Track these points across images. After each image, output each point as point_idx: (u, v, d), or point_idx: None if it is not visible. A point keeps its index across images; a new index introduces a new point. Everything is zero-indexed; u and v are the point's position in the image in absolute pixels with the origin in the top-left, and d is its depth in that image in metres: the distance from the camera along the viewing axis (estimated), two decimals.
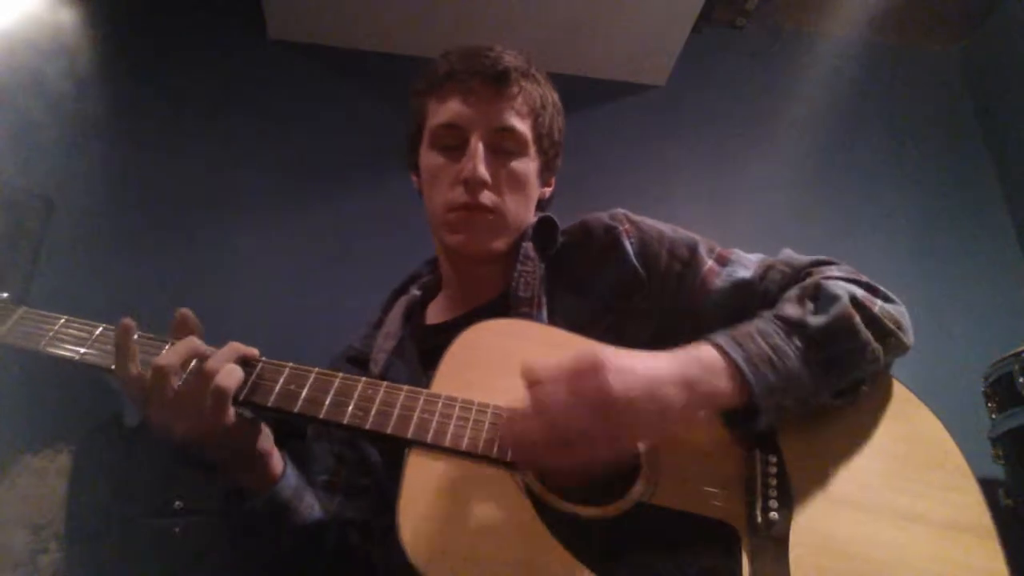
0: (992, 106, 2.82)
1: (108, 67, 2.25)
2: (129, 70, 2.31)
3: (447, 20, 2.36)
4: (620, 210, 1.00)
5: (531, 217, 1.02)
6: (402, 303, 1.09)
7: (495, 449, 0.74)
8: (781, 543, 0.70)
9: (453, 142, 0.97)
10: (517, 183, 0.97)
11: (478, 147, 0.94)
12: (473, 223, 0.96)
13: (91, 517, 1.62)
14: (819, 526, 0.71)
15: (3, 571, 1.54)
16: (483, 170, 0.93)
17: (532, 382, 0.69)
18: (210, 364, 0.74)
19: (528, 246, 0.98)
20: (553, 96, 1.03)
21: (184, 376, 0.75)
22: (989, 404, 1.73)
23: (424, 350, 0.98)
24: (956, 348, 2.08)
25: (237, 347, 0.78)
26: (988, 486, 0.77)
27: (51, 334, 0.84)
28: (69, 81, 2.14)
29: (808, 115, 2.69)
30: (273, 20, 2.45)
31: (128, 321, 0.77)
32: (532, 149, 0.99)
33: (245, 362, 0.80)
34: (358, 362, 1.06)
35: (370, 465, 0.94)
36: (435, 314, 1.07)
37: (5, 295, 0.88)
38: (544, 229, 1.01)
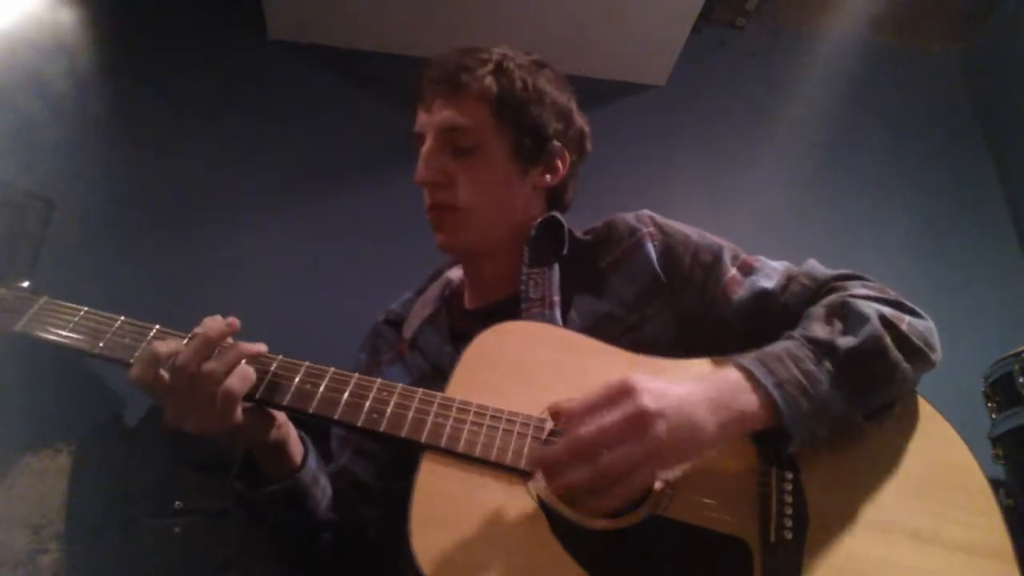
0: (992, 106, 2.82)
1: (108, 67, 2.25)
2: (129, 70, 2.30)
3: (447, 20, 2.36)
4: (646, 212, 1.00)
5: (522, 207, 1.01)
6: (444, 279, 1.10)
7: (508, 457, 0.74)
8: (795, 562, 0.69)
9: (419, 147, 1.00)
10: (477, 177, 0.97)
11: (427, 147, 0.97)
12: (442, 222, 0.98)
13: (91, 517, 1.62)
14: (834, 545, 0.70)
15: (3, 571, 1.54)
16: (422, 172, 0.96)
17: (567, 418, 0.68)
18: (214, 366, 0.74)
19: (528, 250, 0.98)
20: (533, 82, 1.01)
21: (197, 375, 0.74)
22: (989, 404, 1.72)
23: (453, 327, 1.00)
24: (956, 348, 2.07)
25: (243, 348, 0.78)
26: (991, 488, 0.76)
27: (70, 325, 0.83)
28: (69, 81, 2.15)
29: (808, 115, 2.69)
30: (273, 20, 2.44)
31: (174, 339, 0.79)
32: (493, 140, 0.98)
33: (260, 361, 0.80)
34: (395, 324, 1.09)
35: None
36: (467, 298, 1.09)
37: (26, 284, 0.89)
38: (551, 229, 1.01)
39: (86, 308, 0.85)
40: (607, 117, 2.61)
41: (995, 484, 0.76)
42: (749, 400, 0.71)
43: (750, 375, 0.72)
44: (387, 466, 0.94)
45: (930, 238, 2.57)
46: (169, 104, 2.31)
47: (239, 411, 0.75)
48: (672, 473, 0.72)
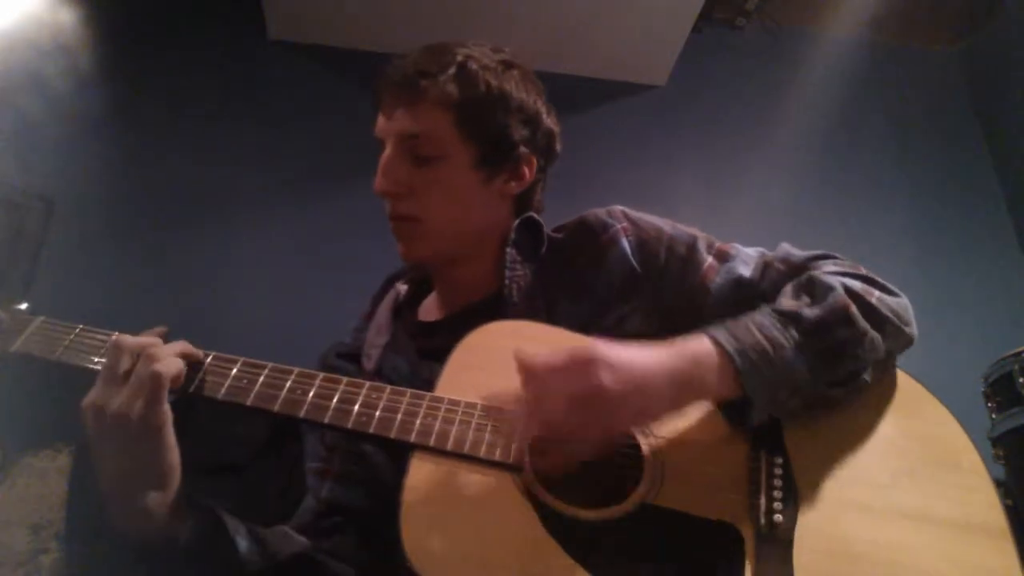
0: (992, 106, 2.82)
1: (108, 67, 2.25)
2: (129, 70, 2.31)
3: (447, 20, 2.36)
4: (618, 207, 0.99)
5: (488, 216, 1.00)
6: (391, 296, 1.09)
7: (496, 452, 0.74)
8: (786, 545, 0.69)
9: (381, 154, 0.97)
10: (438, 187, 0.94)
11: (386, 156, 0.94)
12: (401, 232, 0.97)
13: (91, 517, 1.61)
14: (825, 527, 0.70)
15: (3, 571, 1.54)
16: (380, 182, 0.94)
17: (528, 375, 0.71)
18: (155, 350, 0.75)
19: (512, 252, 0.97)
20: (498, 85, 0.96)
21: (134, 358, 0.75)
22: (989, 404, 1.73)
23: (420, 346, 0.97)
24: (956, 348, 2.08)
25: (185, 344, 0.80)
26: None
27: (66, 343, 0.85)
28: (69, 81, 2.15)
29: (808, 115, 2.69)
30: (273, 20, 2.45)
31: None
32: (455, 149, 0.94)
33: (249, 368, 0.80)
34: (349, 358, 1.03)
35: (364, 455, 0.93)
36: (427, 311, 1.07)
37: (24, 306, 0.92)
38: (529, 230, 1.01)
39: (81, 326, 0.87)
40: (607, 117, 2.61)
41: (995, 484, 0.76)
42: (710, 369, 0.73)
43: (715, 342, 0.74)
44: (375, 488, 0.91)
45: (930, 238, 2.57)
46: (169, 104, 2.31)
47: (165, 406, 0.74)
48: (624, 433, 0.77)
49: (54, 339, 0.86)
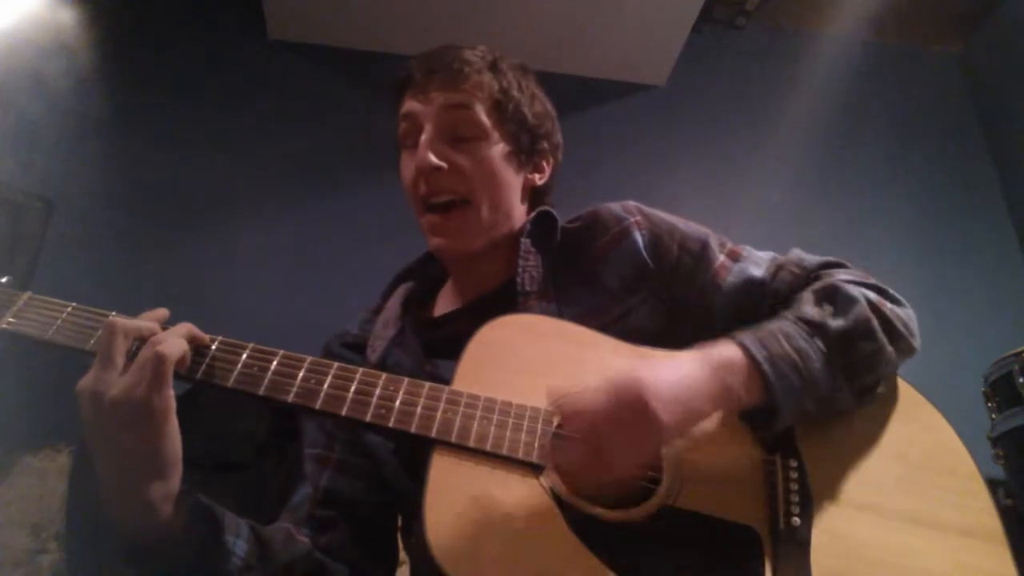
0: (992, 106, 2.82)
1: (108, 67, 2.26)
2: (129, 70, 2.31)
3: (447, 20, 2.36)
4: (631, 202, 1.00)
5: (517, 203, 1.01)
6: (401, 291, 1.08)
7: (520, 450, 0.74)
8: (803, 547, 0.71)
9: (410, 137, 0.96)
10: (485, 165, 0.94)
11: (427, 134, 0.93)
12: (448, 223, 0.94)
13: (91, 517, 1.62)
14: (839, 531, 0.72)
15: (3, 571, 1.54)
16: (430, 156, 0.91)
17: (580, 424, 0.70)
18: (159, 335, 0.72)
19: (526, 243, 0.98)
20: (525, 84, 1.01)
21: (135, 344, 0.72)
22: (989, 404, 1.72)
23: (426, 340, 0.97)
24: (956, 348, 2.08)
25: (190, 327, 0.77)
26: (988, 486, 0.78)
27: (58, 322, 0.80)
28: (69, 81, 2.15)
29: (808, 115, 2.70)
30: (273, 20, 2.45)
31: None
32: (495, 134, 0.96)
33: (260, 356, 0.78)
34: (354, 348, 1.03)
35: (363, 446, 0.93)
36: (438, 305, 1.07)
37: (4, 279, 0.84)
38: (543, 223, 1.01)
39: (74, 304, 0.82)
40: (607, 117, 2.61)
41: (995, 484, 0.77)
42: (741, 379, 0.73)
43: (745, 349, 0.75)
44: (375, 480, 0.91)
45: (930, 238, 2.57)
46: (169, 104, 2.32)
47: (169, 390, 0.70)
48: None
49: (45, 317, 0.80)
